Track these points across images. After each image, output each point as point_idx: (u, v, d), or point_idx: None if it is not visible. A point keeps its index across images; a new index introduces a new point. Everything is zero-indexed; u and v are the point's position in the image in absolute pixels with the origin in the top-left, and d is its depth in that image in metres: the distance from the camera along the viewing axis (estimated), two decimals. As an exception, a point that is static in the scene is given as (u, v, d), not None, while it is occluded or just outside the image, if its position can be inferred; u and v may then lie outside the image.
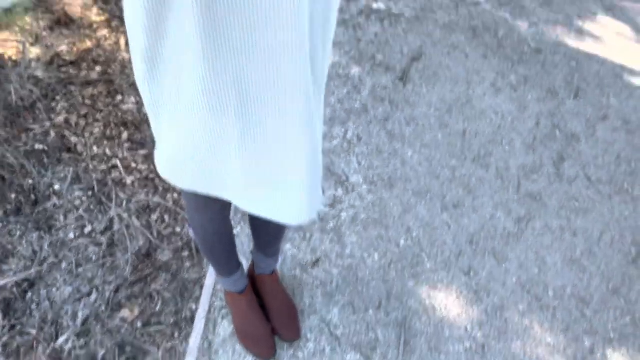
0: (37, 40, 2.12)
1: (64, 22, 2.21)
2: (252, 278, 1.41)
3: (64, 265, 1.49)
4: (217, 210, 0.96)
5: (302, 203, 0.82)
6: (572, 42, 2.65)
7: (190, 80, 0.66)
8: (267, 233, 1.16)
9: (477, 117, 2.13)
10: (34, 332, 1.34)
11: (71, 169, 1.71)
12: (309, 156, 0.78)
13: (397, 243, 1.64)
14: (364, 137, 1.99)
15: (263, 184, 0.80)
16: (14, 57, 2.02)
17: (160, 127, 0.76)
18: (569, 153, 2.05)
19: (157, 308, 1.42)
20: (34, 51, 2.07)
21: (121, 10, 2.40)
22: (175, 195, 1.70)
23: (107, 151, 1.78)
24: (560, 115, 2.21)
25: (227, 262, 1.17)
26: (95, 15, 2.33)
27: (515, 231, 1.73)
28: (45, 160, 1.73)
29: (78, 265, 1.49)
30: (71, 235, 1.55)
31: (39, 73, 1.97)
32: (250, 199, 0.82)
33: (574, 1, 2.98)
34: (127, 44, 2.19)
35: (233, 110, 0.70)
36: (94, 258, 1.51)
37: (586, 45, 2.65)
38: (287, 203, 0.81)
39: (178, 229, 1.62)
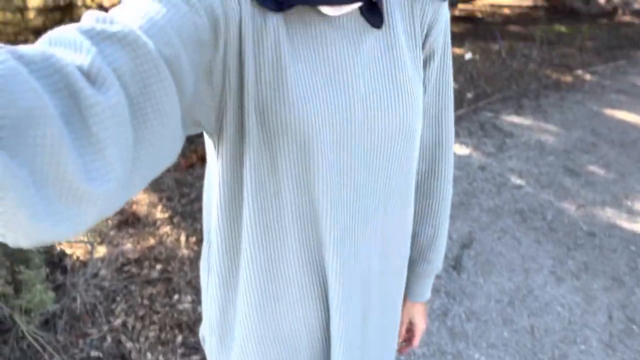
0: (104, 239, 2.26)
1: (130, 221, 2.38)
2: None
3: None
4: None
5: None
6: (625, 223, 2.61)
7: (254, 337, 0.68)
8: None
9: (542, 311, 2.01)
10: None
11: (123, 380, 1.65)
12: None
13: None
14: (423, 335, 1.88)
15: None
16: (81, 258, 2.13)
17: None
18: (655, 353, 1.85)
19: None
20: (101, 250, 2.19)
21: (183, 205, 2.58)
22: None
23: (161, 358, 1.73)
24: (632, 307, 2.06)
25: None
26: (159, 212, 2.50)
27: None
28: (99, 369, 1.69)
29: None
30: None
31: (103, 273, 2.05)
32: None
33: (616, 181, 3.02)
34: (186, 240, 2.30)
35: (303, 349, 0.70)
36: None
37: (641, 227, 2.60)
38: None
39: None
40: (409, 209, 0.70)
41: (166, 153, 0.42)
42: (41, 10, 3.33)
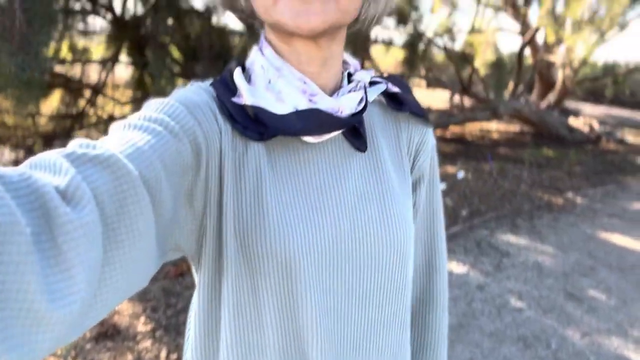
0: (79, 353, 2.10)
1: (110, 333, 2.23)
2: None
3: None
4: None
5: None
6: (633, 355, 2.47)
7: None
8: None
9: None
10: None
11: None
12: None
13: None
14: None
15: None
16: (51, 373, 1.96)
17: None
18: None
19: None
20: (73, 365, 2.02)
21: (167, 317, 2.45)
22: None
23: None
24: None
25: None
26: (141, 325, 2.36)
27: None
28: None
29: None
30: None
31: (72, 393, 1.87)
32: None
33: (619, 307, 2.93)
34: (167, 357, 2.14)
35: None
36: None
37: (651, 359, 2.46)
38: None
39: None
40: (405, 337, 0.65)
41: (136, 277, 0.40)
42: (53, 117, 3.48)
